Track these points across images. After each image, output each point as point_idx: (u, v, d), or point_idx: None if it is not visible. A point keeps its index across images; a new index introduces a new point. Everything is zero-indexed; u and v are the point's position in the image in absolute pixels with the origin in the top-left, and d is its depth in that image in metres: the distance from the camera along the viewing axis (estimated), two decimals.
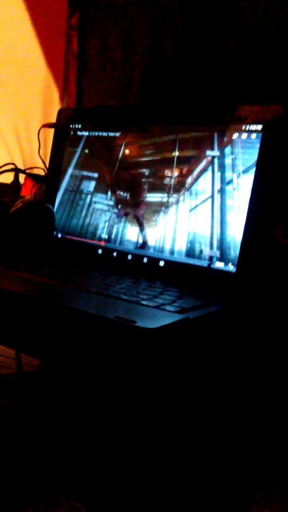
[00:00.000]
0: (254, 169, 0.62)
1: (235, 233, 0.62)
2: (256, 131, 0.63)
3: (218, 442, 0.57)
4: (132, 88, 0.90)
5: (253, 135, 0.63)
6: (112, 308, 0.49)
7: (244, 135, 0.64)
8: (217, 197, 0.65)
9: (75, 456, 0.78)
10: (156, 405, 0.46)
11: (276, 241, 0.68)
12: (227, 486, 0.59)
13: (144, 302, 0.51)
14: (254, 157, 0.63)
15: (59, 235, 0.80)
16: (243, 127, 0.64)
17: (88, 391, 0.54)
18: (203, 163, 0.67)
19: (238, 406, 0.58)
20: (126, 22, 0.93)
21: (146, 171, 0.73)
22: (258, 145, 0.63)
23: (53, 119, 0.85)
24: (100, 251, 0.75)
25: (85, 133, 0.79)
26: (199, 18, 0.82)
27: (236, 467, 0.59)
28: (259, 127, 0.63)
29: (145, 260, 0.70)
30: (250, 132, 0.63)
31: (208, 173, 0.67)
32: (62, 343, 0.49)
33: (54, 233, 0.80)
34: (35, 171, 0.92)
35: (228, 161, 0.65)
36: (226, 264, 0.63)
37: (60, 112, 0.83)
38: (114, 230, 0.75)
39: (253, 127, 0.63)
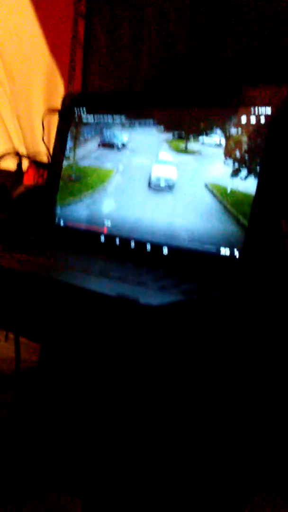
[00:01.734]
0: (261, 157, 0.61)
1: (242, 220, 0.61)
2: (264, 113, 0.62)
3: (219, 429, 0.56)
4: (140, 73, 0.89)
5: (262, 118, 0.62)
6: (115, 288, 0.47)
7: (253, 118, 0.62)
8: (224, 183, 0.64)
9: (74, 449, 0.77)
10: (157, 390, 0.45)
11: (281, 233, 0.67)
12: (225, 483, 0.57)
13: (147, 284, 0.50)
14: (262, 141, 0.61)
15: (61, 223, 0.79)
16: (251, 110, 0.63)
17: (89, 374, 0.53)
18: (211, 148, 0.66)
19: (239, 393, 0.57)
20: (133, 9, 0.92)
21: (150, 157, 0.72)
22: (266, 128, 0.61)
23: (57, 105, 0.84)
24: (102, 238, 0.74)
25: (90, 118, 0.78)
26: (207, 1, 0.81)
27: (234, 465, 0.58)
28: (268, 109, 0.62)
29: (148, 247, 0.68)
30: (258, 115, 0.62)
31: (216, 158, 0.65)
32: (62, 323, 0.48)
33: (56, 220, 0.78)
34: (38, 158, 0.91)
35: (236, 145, 0.64)
36: (231, 250, 0.61)
37: (65, 97, 0.82)
38: (118, 217, 0.73)
39: (261, 109, 0.62)
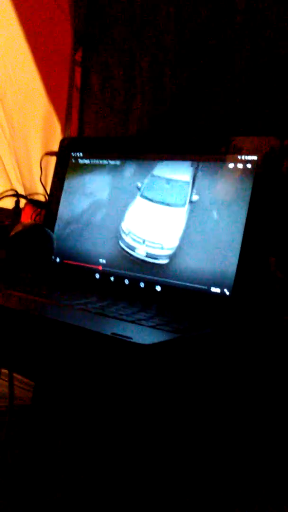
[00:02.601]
0: (248, 199, 0.64)
1: (231, 260, 0.63)
2: (251, 161, 0.65)
3: (212, 457, 0.56)
4: (132, 120, 0.94)
5: (248, 165, 0.65)
6: (108, 326, 0.49)
7: (240, 165, 0.66)
8: (213, 224, 0.67)
9: (63, 493, 0.77)
10: (150, 421, 0.46)
11: (270, 270, 0.69)
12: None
13: (140, 322, 0.52)
14: (250, 187, 0.65)
15: (58, 260, 0.81)
16: (238, 158, 0.66)
17: (82, 411, 0.54)
18: (199, 191, 0.69)
19: (231, 427, 0.58)
20: (127, 57, 0.97)
21: (143, 198, 0.75)
22: (253, 175, 0.65)
23: (53, 148, 0.88)
24: (97, 275, 0.76)
25: (86, 161, 0.82)
26: (198, 52, 0.86)
27: (230, 487, 0.58)
28: (254, 157, 0.65)
29: (142, 284, 0.71)
30: (245, 162, 0.66)
31: (204, 201, 0.69)
32: (56, 361, 0.50)
33: (53, 257, 0.81)
34: (36, 197, 0.94)
35: (224, 190, 0.67)
36: (221, 289, 0.64)
37: (62, 141, 0.86)
38: (112, 255, 0.76)
39: (248, 157, 0.66)
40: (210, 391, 0.54)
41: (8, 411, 1.02)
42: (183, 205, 0.70)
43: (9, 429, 1.01)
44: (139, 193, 0.75)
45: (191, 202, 0.70)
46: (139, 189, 0.75)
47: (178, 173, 0.72)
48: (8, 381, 1.08)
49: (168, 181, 0.73)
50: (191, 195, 0.70)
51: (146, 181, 0.74)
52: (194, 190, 0.70)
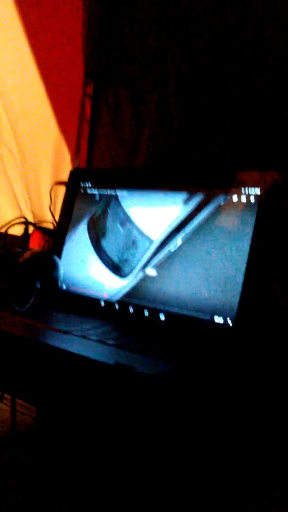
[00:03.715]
0: (252, 231, 0.66)
1: (234, 290, 0.65)
2: (254, 195, 0.67)
3: (214, 486, 0.56)
4: (140, 152, 0.97)
5: (252, 198, 0.67)
6: (112, 356, 0.50)
7: (243, 198, 0.68)
8: (217, 256, 0.68)
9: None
10: (153, 456, 0.47)
11: (275, 301, 0.70)
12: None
13: (145, 352, 0.53)
14: (253, 219, 0.66)
15: (64, 287, 0.83)
16: (242, 191, 0.68)
17: (84, 438, 0.55)
18: (204, 223, 0.71)
19: (235, 456, 0.58)
20: (135, 91, 1.00)
21: (148, 230, 0.77)
22: (256, 208, 0.67)
23: (63, 178, 0.90)
24: (102, 303, 0.77)
25: (95, 192, 0.84)
26: (204, 88, 0.89)
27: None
28: (257, 190, 0.67)
29: (146, 313, 0.72)
30: (248, 195, 0.68)
31: (209, 233, 0.70)
32: (58, 388, 0.51)
33: (59, 285, 0.82)
34: (44, 225, 0.96)
35: (227, 222, 0.69)
36: (224, 319, 0.65)
37: (72, 172, 0.88)
38: (118, 284, 0.77)
39: (252, 191, 0.68)
40: (212, 419, 0.55)
41: (11, 434, 1.02)
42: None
43: (11, 453, 1.01)
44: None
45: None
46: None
47: (177, 205, 0.74)
48: (10, 407, 1.08)
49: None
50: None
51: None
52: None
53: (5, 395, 1.20)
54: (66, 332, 0.58)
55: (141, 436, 0.46)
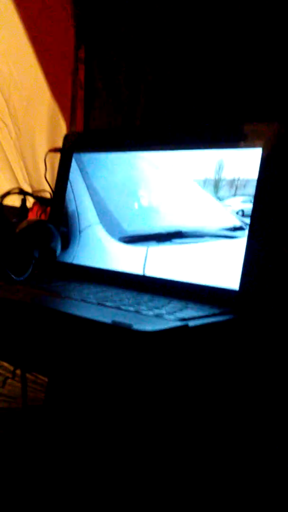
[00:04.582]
0: (255, 187, 0.63)
1: (238, 252, 0.62)
2: (256, 147, 0.64)
3: (216, 452, 0.55)
4: (137, 113, 0.93)
5: (254, 152, 0.64)
6: (110, 316, 0.49)
7: (245, 153, 0.65)
8: (219, 216, 0.66)
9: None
10: (153, 413, 0.45)
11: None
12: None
13: (144, 312, 0.51)
14: (255, 174, 0.63)
15: (61, 259, 0.81)
16: (244, 145, 0.65)
17: (91, 402, 0.54)
18: (205, 183, 0.68)
19: (236, 421, 0.57)
20: (130, 52, 0.97)
21: (148, 193, 0.74)
22: (258, 163, 0.64)
23: (59, 145, 0.87)
24: (103, 274, 0.75)
25: (90, 155, 0.82)
26: (203, 46, 0.85)
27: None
28: (259, 144, 0.64)
29: (149, 282, 0.70)
30: (250, 149, 0.65)
31: (210, 192, 0.68)
32: (60, 352, 0.49)
33: (58, 256, 0.80)
34: (42, 195, 0.94)
35: (229, 179, 0.66)
36: (230, 282, 0.62)
37: (65, 137, 0.85)
38: (118, 254, 0.75)
39: (253, 144, 0.65)
40: (215, 384, 0.53)
41: (22, 408, 1.03)
42: None
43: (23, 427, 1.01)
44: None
45: None
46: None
47: (178, 163, 0.71)
48: (21, 382, 1.08)
49: None
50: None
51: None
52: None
53: (17, 371, 1.20)
54: (64, 297, 0.57)
55: (142, 396, 0.44)
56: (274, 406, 0.58)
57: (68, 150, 0.83)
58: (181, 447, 0.54)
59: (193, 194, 0.69)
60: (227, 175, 0.67)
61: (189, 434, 0.53)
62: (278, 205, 0.64)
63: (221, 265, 0.64)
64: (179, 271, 0.67)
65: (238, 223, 0.64)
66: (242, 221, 0.64)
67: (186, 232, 0.68)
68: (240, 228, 0.64)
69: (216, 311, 0.57)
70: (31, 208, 1.02)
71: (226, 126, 0.68)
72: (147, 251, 0.71)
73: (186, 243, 0.68)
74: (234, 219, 0.65)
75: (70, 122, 1.02)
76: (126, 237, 0.74)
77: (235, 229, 0.64)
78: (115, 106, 0.99)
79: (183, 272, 0.66)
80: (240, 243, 0.62)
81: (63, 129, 1.04)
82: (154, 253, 0.70)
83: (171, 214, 0.71)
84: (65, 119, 1.04)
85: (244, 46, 0.81)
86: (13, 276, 0.68)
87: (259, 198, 0.63)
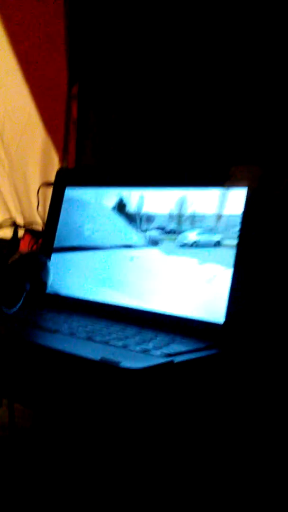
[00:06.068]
0: (239, 226, 0.66)
1: (223, 288, 0.64)
2: (240, 189, 0.67)
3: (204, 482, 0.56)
4: (128, 153, 0.96)
5: (238, 194, 0.67)
6: (99, 352, 0.50)
7: (229, 194, 0.68)
8: (205, 253, 0.68)
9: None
10: (139, 447, 0.46)
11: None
12: None
13: (131, 347, 0.53)
14: (239, 214, 0.66)
15: (52, 291, 0.82)
16: (228, 187, 0.68)
17: (78, 436, 0.55)
18: (193, 221, 0.71)
19: (221, 454, 0.58)
20: (122, 90, 1.00)
21: (136, 230, 0.77)
22: (243, 204, 0.67)
23: (52, 179, 0.90)
24: (92, 306, 0.77)
25: (81, 191, 0.84)
26: (191, 90, 0.89)
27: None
28: (243, 186, 0.67)
29: (139, 314, 0.71)
30: (234, 191, 0.68)
31: (197, 231, 0.70)
32: (47, 387, 0.51)
33: (48, 289, 0.81)
34: (34, 227, 0.96)
35: (214, 219, 0.69)
36: (214, 316, 0.64)
37: (58, 172, 0.88)
38: (107, 284, 0.77)
39: (237, 187, 0.68)
40: (202, 417, 0.54)
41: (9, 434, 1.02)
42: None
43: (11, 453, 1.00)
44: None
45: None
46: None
47: (166, 201, 0.74)
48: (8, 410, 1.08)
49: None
50: None
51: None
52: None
53: (4, 401, 1.19)
54: (52, 331, 0.58)
55: (130, 431, 0.46)
56: (259, 438, 0.60)
57: (60, 185, 0.86)
58: (167, 481, 0.55)
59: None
60: (187, 210, 0.70)
61: (175, 468, 0.54)
62: (262, 240, 0.67)
63: (207, 298, 0.66)
64: (167, 303, 0.69)
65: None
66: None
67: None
68: None
69: (201, 345, 0.58)
70: (23, 237, 1.03)
71: (192, 168, 0.73)
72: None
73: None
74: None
75: (63, 157, 1.05)
76: None
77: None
78: (106, 142, 1.02)
79: (170, 304, 0.68)
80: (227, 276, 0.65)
81: (55, 163, 1.07)
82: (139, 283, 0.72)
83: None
84: (58, 153, 1.07)
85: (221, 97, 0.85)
86: (4, 308, 0.69)
87: (243, 234, 0.65)
